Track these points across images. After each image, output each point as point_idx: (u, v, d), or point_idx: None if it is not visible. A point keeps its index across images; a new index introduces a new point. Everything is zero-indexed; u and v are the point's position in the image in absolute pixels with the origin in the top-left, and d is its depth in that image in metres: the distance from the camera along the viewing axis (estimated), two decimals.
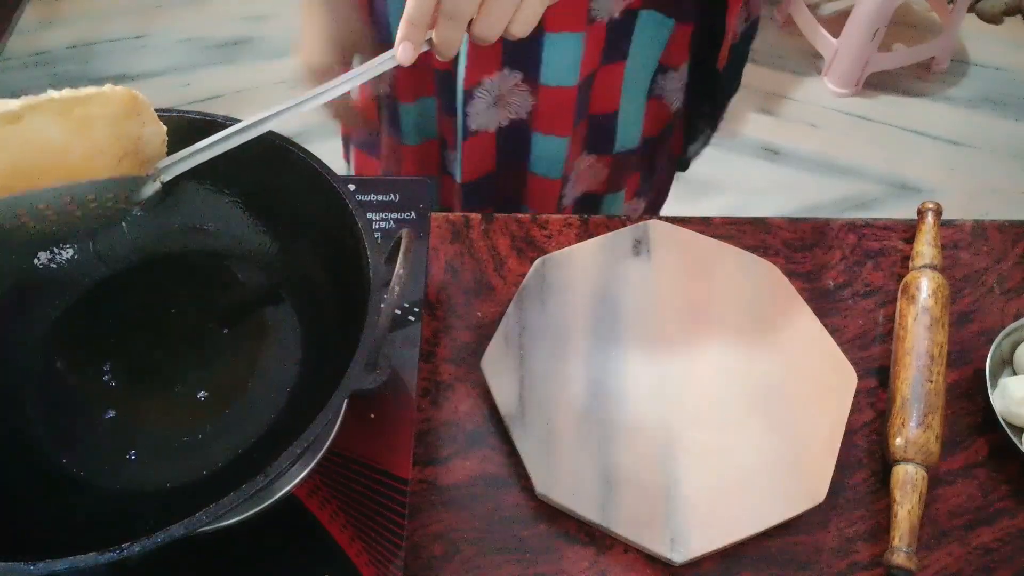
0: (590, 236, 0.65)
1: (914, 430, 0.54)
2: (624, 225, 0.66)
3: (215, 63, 2.08)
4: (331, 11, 0.67)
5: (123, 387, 0.49)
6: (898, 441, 0.54)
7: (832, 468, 0.54)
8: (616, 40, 0.68)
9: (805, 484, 0.53)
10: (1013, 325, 0.59)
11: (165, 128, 0.44)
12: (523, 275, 0.63)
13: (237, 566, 0.48)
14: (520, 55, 0.67)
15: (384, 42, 0.70)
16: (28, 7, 2.18)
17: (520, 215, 0.68)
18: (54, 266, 0.52)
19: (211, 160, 0.46)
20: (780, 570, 0.52)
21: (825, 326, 0.60)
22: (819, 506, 0.53)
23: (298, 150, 0.49)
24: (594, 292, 0.62)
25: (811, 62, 2.10)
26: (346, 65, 0.68)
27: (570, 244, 0.65)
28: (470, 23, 0.45)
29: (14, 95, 0.39)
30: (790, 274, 0.63)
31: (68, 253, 0.52)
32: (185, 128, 0.46)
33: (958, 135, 1.98)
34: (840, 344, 0.60)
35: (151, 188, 0.45)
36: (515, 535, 0.53)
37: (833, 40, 1.99)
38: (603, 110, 0.73)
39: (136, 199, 0.45)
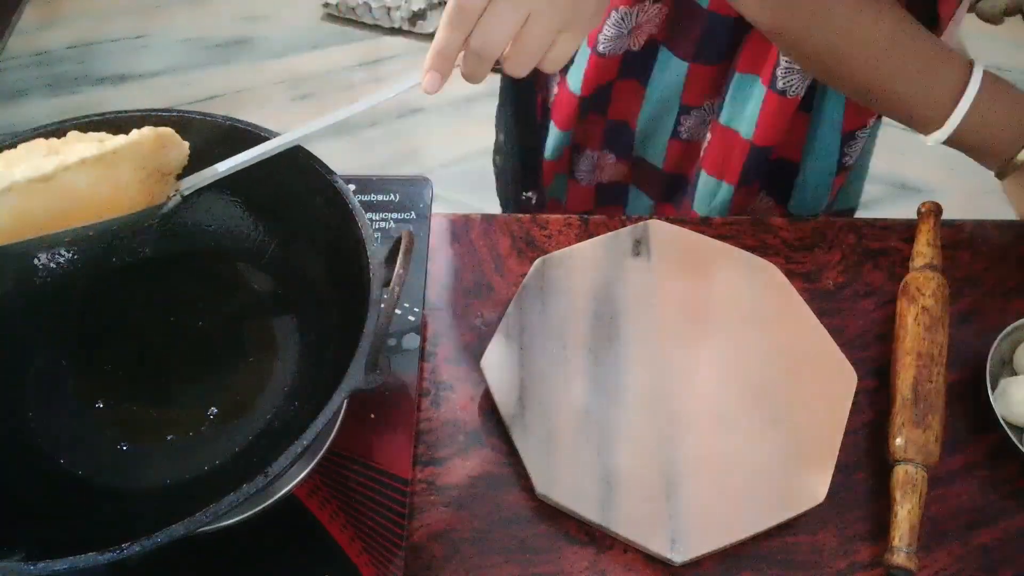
0: (590, 236, 0.65)
1: (914, 430, 0.54)
2: (624, 225, 0.66)
3: (215, 63, 2.08)
4: None
5: (122, 387, 0.49)
6: (898, 441, 0.54)
7: (832, 468, 0.54)
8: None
9: (805, 484, 0.53)
10: (1013, 325, 0.59)
11: (187, 144, 0.45)
12: (523, 275, 0.63)
13: (237, 566, 0.48)
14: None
15: None
16: (28, 7, 2.18)
17: (520, 215, 0.68)
18: (54, 266, 0.52)
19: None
20: (780, 570, 0.52)
21: (825, 326, 0.60)
22: (819, 506, 0.53)
23: (298, 150, 0.49)
24: (594, 292, 0.62)
25: None
26: None
27: (570, 244, 0.65)
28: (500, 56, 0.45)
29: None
30: (790, 274, 0.63)
31: (68, 253, 0.52)
32: (184, 128, 0.46)
33: None
34: (840, 344, 0.60)
35: (172, 202, 0.45)
36: (515, 535, 0.53)
37: None
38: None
39: (156, 216, 0.45)
